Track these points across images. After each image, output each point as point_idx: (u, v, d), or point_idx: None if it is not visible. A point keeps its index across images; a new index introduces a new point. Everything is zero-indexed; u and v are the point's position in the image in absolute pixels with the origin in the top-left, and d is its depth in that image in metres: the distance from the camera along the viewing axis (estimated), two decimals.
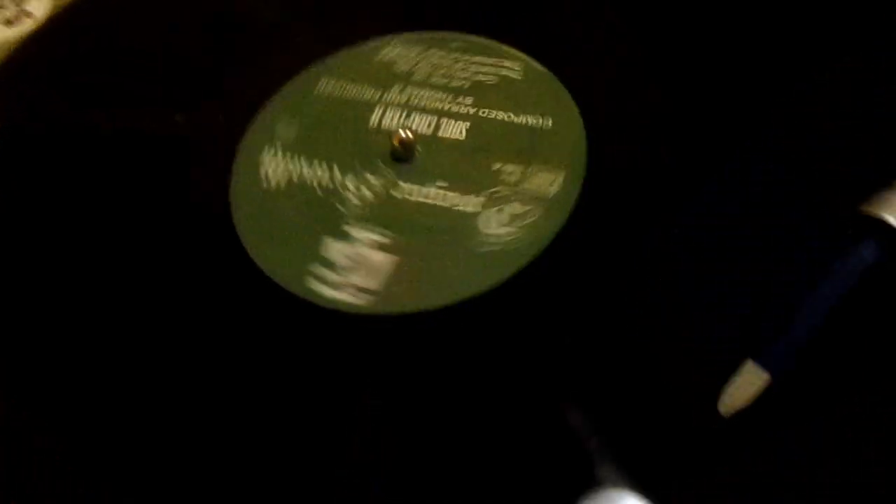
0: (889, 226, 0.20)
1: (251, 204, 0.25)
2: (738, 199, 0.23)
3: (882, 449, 0.18)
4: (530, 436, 0.20)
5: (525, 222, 0.23)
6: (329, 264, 0.23)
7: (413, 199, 0.24)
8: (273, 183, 0.25)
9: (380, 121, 0.26)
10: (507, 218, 0.23)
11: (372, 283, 0.22)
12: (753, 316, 0.20)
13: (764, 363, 0.19)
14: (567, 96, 0.25)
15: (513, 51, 0.27)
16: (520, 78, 0.26)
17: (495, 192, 0.23)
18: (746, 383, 0.19)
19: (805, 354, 0.20)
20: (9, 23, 0.32)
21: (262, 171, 0.25)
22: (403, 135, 0.25)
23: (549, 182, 0.23)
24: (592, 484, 0.18)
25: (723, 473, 0.18)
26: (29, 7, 0.33)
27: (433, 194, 0.24)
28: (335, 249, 0.23)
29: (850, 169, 0.22)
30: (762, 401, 0.19)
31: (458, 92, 0.26)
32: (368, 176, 0.25)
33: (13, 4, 0.33)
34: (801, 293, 0.20)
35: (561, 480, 0.19)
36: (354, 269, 0.22)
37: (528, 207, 0.23)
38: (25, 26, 0.32)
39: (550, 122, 0.25)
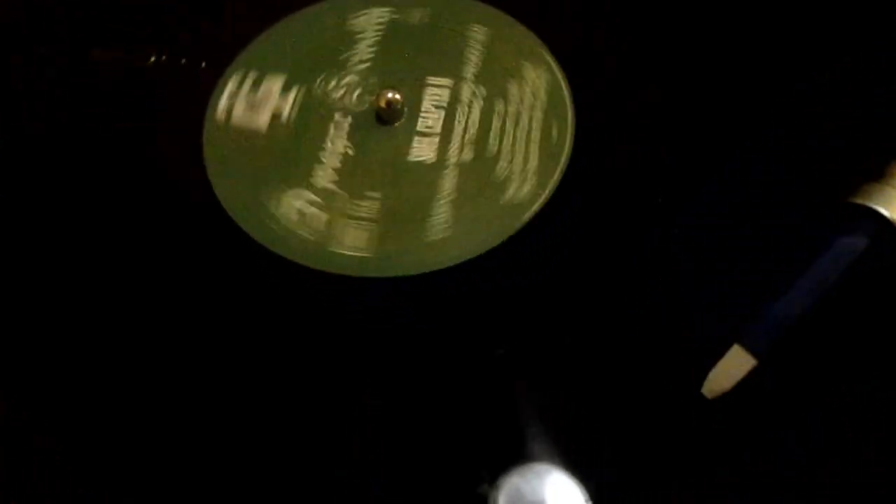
0: (879, 214, 0.20)
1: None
2: (731, 195, 0.23)
3: (874, 440, 0.18)
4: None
5: (294, 218, 0.23)
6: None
7: (329, 131, 0.25)
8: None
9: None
10: (299, 206, 0.24)
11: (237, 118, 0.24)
12: (745, 306, 0.20)
13: (748, 345, 0.19)
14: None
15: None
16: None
17: (330, 194, 0.24)
18: (731, 366, 0.19)
19: (796, 342, 0.20)
20: None
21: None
22: (391, 97, 0.24)
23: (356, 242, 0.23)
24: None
25: (715, 467, 0.18)
26: None
27: (335, 150, 0.24)
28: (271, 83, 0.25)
29: (843, 163, 0.22)
30: (754, 392, 0.19)
31: (479, 145, 0.25)
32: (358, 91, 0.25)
33: None
34: (788, 280, 0.20)
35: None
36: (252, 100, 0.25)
37: (313, 222, 0.23)
38: None
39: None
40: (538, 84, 0.25)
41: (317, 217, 0.23)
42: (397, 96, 0.24)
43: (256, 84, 0.25)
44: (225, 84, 0.25)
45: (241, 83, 0.25)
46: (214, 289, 0.23)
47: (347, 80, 0.25)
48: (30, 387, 0.21)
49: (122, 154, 0.25)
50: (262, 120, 0.25)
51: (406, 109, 0.25)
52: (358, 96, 0.25)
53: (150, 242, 0.23)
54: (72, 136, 0.26)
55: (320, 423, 0.20)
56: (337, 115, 0.25)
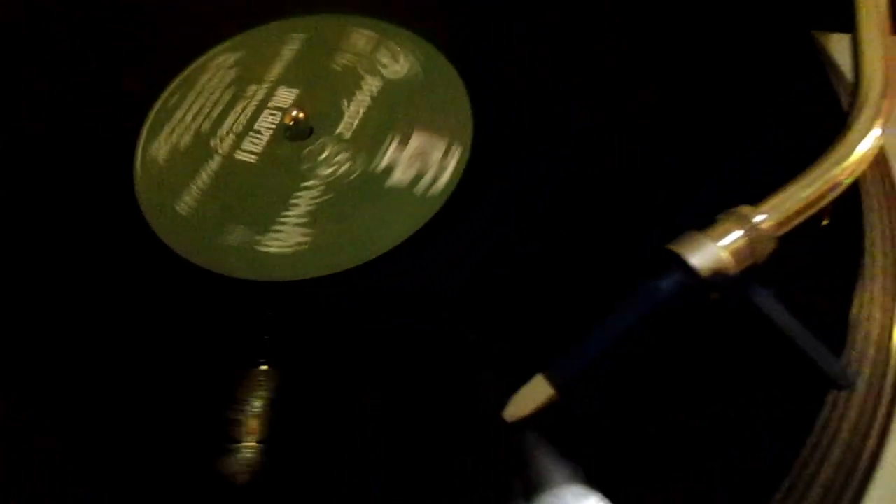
0: (689, 266, 0.21)
1: None
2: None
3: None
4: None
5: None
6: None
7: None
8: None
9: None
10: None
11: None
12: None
13: (550, 378, 0.21)
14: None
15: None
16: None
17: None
18: (532, 394, 0.21)
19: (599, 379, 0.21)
20: None
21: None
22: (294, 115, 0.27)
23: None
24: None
25: None
26: None
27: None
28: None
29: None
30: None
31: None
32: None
33: None
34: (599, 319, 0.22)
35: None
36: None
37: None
38: None
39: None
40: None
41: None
42: (301, 114, 0.27)
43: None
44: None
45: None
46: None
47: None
48: (30, 387, 0.23)
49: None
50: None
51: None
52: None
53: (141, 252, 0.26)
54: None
55: (307, 426, 0.22)
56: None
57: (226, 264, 0.25)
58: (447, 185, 0.25)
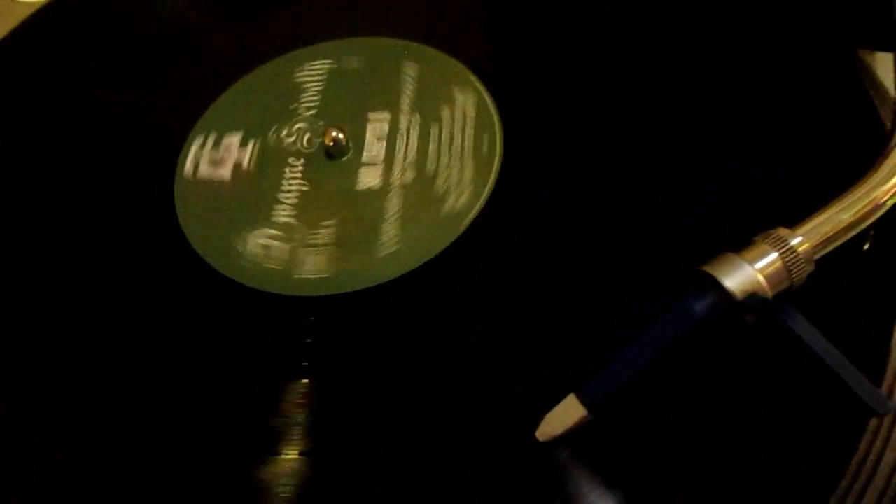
0: (723, 287, 0.21)
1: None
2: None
3: None
4: None
5: (258, 252, 0.27)
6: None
7: (285, 172, 0.28)
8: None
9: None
10: (262, 242, 0.27)
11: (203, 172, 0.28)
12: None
13: (582, 398, 0.21)
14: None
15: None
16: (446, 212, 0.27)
17: (289, 227, 0.27)
18: (564, 413, 0.22)
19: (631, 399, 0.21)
20: None
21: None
22: (335, 135, 0.28)
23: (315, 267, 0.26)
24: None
25: None
26: None
27: (291, 188, 0.28)
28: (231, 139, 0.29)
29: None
30: None
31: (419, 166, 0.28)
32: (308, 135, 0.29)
33: None
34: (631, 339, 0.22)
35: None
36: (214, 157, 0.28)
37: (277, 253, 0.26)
38: None
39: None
40: (467, 104, 0.28)
41: (280, 249, 0.26)
42: (341, 134, 0.28)
43: (217, 143, 0.29)
44: (189, 145, 0.29)
45: (203, 144, 0.29)
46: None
47: (297, 126, 0.29)
48: (30, 387, 0.24)
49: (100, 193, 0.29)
50: (225, 172, 0.28)
51: (351, 144, 0.28)
52: (308, 139, 0.29)
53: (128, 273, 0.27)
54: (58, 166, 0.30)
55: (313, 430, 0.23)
56: (290, 159, 0.28)
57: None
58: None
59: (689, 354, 0.21)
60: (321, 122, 0.29)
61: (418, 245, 0.26)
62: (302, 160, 0.28)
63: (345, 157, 0.28)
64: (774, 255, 0.21)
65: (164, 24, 0.35)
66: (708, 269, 0.21)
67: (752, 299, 0.21)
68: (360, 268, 0.25)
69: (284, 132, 0.29)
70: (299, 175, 0.28)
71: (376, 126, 0.29)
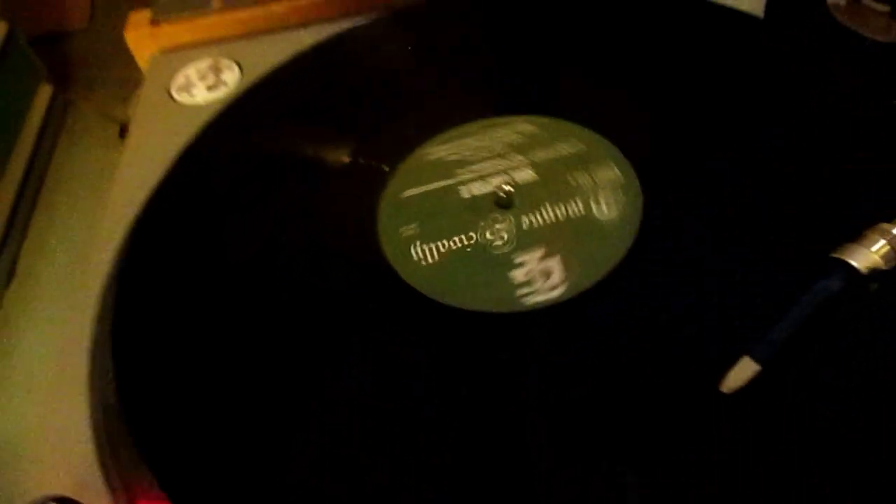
0: (851, 266, 0.28)
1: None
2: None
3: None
4: None
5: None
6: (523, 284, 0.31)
7: (536, 223, 0.33)
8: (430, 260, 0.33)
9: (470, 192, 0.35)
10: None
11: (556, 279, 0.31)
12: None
13: (754, 357, 0.28)
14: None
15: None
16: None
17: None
18: (741, 371, 0.28)
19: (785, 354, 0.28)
20: (210, 88, 0.44)
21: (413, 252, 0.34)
22: (506, 187, 0.35)
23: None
24: None
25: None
26: (224, 77, 0.44)
27: (544, 215, 0.34)
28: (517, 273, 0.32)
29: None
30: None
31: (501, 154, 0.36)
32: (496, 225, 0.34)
33: (213, 75, 0.44)
34: (782, 310, 0.29)
35: None
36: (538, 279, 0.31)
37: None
38: (221, 92, 0.44)
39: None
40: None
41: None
42: (510, 187, 0.35)
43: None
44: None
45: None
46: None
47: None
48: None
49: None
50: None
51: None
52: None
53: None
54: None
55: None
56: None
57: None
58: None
59: (830, 317, 0.28)
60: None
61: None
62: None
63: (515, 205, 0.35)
64: (882, 241, 0.29)
65: None
66: (836, 255, 0.29)
67: (873, 272, 0.28)
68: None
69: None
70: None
71: (517, 174, 0.36)
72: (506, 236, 0.33)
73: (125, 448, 0.29)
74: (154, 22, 0.47)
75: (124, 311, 0.31)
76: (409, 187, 0.36)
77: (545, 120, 0.38)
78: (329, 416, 0.28)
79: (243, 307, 0.32)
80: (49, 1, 1.01)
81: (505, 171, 0.36)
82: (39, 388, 0.57)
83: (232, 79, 0.44)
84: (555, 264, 0.32)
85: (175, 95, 0.44)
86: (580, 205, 0.34)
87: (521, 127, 0.38)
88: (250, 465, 0.27)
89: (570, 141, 0.37)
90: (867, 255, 0.28)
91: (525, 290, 0.31)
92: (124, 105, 0.79)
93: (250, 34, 0.46)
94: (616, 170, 0.35)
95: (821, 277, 0.29)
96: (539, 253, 0.32)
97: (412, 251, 0.33)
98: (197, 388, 0.30)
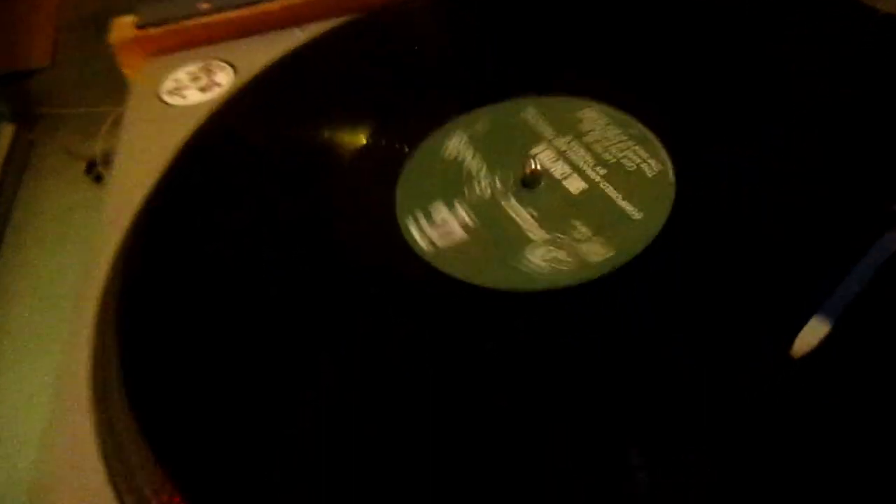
0: None
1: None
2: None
3: None
4: None
5: (557, 267, 0.29)
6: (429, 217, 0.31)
7: (509, 211, 0.31)
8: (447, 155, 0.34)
9: (538, 152, 0.34)
10: (549, 258, 0.29)
11: (441, 242, 0.29)
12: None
13: (824, 317, 0.26)
14: (668, 206, 0.30)
15: (663, 154, 0.32)
16: (651, 176, 0.32)
17: (559, 237, 0.30)
18: (811, 332, 0.26)
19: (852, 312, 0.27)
20: (203, 90, 0.42)
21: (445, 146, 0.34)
22: (534, 166, 0.33)
23: (598, 253, 0.29)
24: None
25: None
26: (217, 78, 0.42)
27: (522, 215, 0.31)
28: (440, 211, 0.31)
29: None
30: None
31: (601, 162, 0.33)
32: (497, 181, 0.33)
33: (205, 76, 0.42)
34: (845, 270, 0.27)
35: None
36: (438, 228, 0.30)
37: (568, 259, 0.29)
38: (215, 93, 0.41)
39: (640, 216, 0.30)
40: (595, 115, 0.34)
41: (561, 254, 0.29)
42: (538, 165, 0.33)
43: (430, 218, 0.32)
44: (408, 229, 0.31)
45: (418, 224, 0.31)
46: None
47: (485, 182, 0.33)
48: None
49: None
50: (459, 234, 0.31)
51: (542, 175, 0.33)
52: (500, 185, 0.33)
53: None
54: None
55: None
56: (502, 202, 0.32)
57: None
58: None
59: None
60: (498, 171, 0.33)
61: (655, 204, 0.30)
62: (512, 199, 0.32)
63: (542, 184, 0.33)
64: None
65: None
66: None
67: None
68: (633, 234, 0.29)
69: (478, 190, 0.33)
70: (521, 207, 0.32)
71: (543, 156, 0.33)
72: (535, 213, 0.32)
73: (136, 458, 0.26)
74: (140, 27, 0.44)
75: (132, 310, 0.29)
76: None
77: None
78: (342, 406, 0.26)
79: (258, 297, 0.30)
80: (10, 39, 0.98)
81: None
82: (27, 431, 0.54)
83: (226, 79, 0.42)
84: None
85: (166, 98, 0.41)
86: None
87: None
88: (271, 461, 0.25)
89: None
90: None
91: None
92: (90, 142, 0.77)
93: (240, 35, 0.44)
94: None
95: (885, 230, 0.27)
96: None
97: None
98: (212, 387, 0.27)
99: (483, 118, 0.36)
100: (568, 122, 0.35)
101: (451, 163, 0.34)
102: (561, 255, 0.30)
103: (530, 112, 0.36)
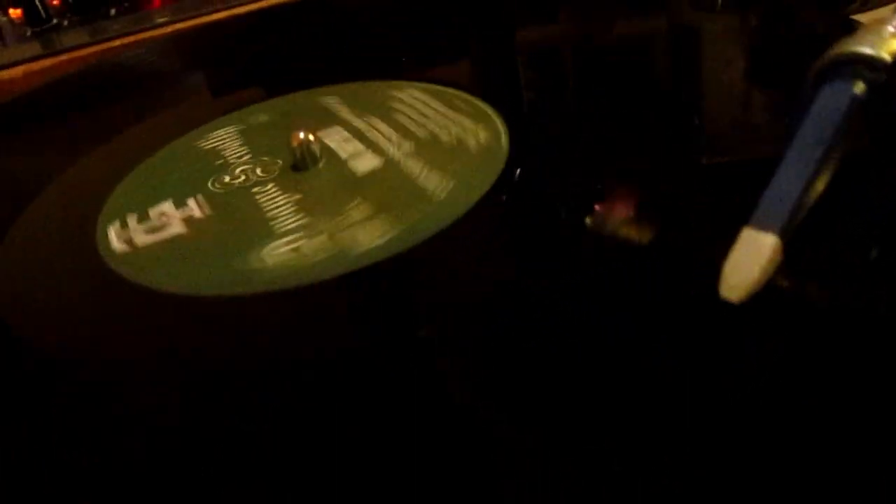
0: (865, 57, 0.16)
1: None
2: None
3: None
4: None
5: (292, 262, 0.19)
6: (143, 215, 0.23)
7: (259, 198, 0.23)
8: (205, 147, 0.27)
9: (321, 133, 0.26)
10: (287, 250, 0.20)
11: (141, 240, 0.22)
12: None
13: (763, 228, 0.15)
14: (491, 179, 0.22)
15: (496, 121, 0.25)
16: (472, 150, 0.23)
17: (308, 224, 0.21)
18: (748, 255, 0.14)
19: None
20: None
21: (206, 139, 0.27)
22: (301, 139, 0.23)
23: (374, 236, 0.20)
24: None
25: None
26: None
27: (279, 202, 0.22)
28: (162, 206, 0.23)
29: None
30: None
31: (409, 136, 0.25)
32: (258, 168, 0.24)
33: None
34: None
35: None
36: (147, 224, 0.22)
37: (323, 248, 0.20)
38: None
39: (443, 196, 0.22)
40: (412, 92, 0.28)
41: (313, 243, 0.20)
42: (311, 136, 0.23)
43: (143, 218, 0.23)
44: (105, 231, 0.23)
45: (124, 225, 0.23)
46: None
47: (240, 169, 0.25)
48: None
49: None
50: (176, 228, 0.22)
51: (319, 153, 0.24)
52: (261, 171, 0.24)
53: None
54: None
55: None
56: (255, 189, 0.23)
57: None
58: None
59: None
60: (265, 158, 0.25)
61: (471, 181, 0.22)
62: (270, 185, 0.23)
63: (320, 164, 0.23)
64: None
65: None
66: (842, 49, 0.17)
67: None
68: (424, 216, 0.20)
69: (227, 178, 0.24)
70: (278, 193, 0.23)
71: (332, 136, 0.25)
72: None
73: None
74: None
75: None
76: None
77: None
78: None
79: None
80: None
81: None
82: None
83: None
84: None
85: None
86: None
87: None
88: None
89: None
90: (883, 36, 0.17)
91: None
92: None
93: None
94: None
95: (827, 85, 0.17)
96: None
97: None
98: None
99: (269, 109, 0.30)
100: (376, 103, 0.28)
101: (206, 154, 0.27)
102: (314, 243, 0.20)
103: (332, 99, 0.29)
